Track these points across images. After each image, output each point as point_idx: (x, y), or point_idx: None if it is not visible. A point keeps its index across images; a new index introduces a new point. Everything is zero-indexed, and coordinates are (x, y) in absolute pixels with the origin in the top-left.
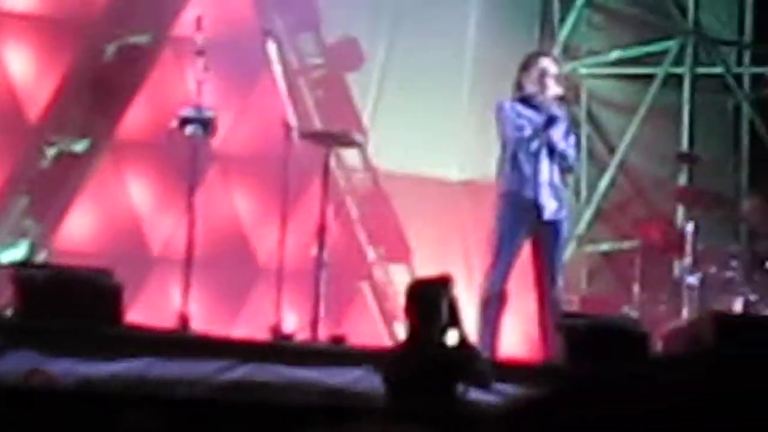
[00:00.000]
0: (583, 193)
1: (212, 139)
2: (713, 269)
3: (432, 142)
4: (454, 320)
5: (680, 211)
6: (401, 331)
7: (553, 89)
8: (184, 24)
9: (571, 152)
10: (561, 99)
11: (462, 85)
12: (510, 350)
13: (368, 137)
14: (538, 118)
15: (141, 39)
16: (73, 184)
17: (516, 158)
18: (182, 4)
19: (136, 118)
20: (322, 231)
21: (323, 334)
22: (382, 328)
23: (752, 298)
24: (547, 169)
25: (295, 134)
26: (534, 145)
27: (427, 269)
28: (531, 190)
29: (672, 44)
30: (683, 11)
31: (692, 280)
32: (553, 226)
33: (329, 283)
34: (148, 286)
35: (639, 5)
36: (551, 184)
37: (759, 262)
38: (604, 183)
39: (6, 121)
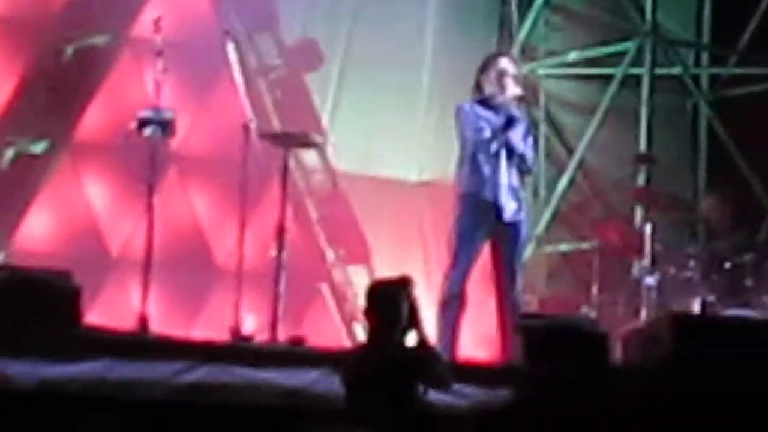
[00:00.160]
0: (542, 193)
1: (171, 140)
2: (671, 270)
3: (391, 143)
4: (414, 321)
5: (638, 211)
6: (361, 333)
7: (512, 90)
8: (143, 25)
9: (529, 154)
10: (521, 99)
11: (421, 86)
12: (469, 351)
13: (327, 138)
14: (498, 120)
15: (99, 40)
16: (32, 185)
17: (475, 160)
18: (141, 5)
19: (94, 119)
20: (281, 232)
21: (282, 335)
22: (341, 329)
23: (710, 298)
24: (506, 171)
25: (254, 135)
26: (493, 146)
27: (386, 270)
28: (490, 192)
29: (630, 45)
30: (641, 12)
31: (650, 280)
32: (513, 227)
33: (288, 285)
34: (107, 287)
35: (597, 6)
36: (510, 186)
37: (717, 263)
38: (562, 184)
39: None
